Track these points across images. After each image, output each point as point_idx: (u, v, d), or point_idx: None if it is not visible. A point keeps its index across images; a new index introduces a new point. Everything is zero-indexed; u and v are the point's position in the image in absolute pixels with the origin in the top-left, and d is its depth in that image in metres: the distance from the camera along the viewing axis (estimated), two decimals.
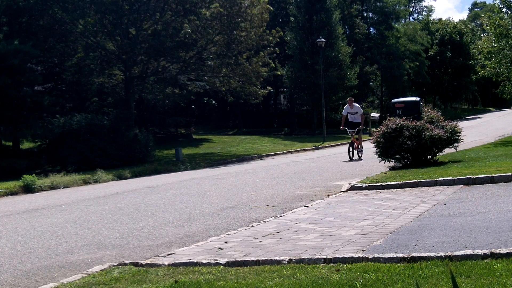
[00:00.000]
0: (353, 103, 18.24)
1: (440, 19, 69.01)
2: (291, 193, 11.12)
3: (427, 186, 10.28)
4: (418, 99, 15.45)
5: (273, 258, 5.58)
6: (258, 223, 7.98)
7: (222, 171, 17.84)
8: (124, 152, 22.51)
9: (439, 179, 10.43)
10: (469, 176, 10.20)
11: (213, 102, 38.41)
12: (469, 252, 5.07)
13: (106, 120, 23.77)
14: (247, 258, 5.75)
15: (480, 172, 10.60)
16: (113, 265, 5.92)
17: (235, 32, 25.47)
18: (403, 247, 5.71)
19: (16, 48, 21.88)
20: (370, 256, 5.27)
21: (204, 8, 25.07)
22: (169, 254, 6.39)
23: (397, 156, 13.83)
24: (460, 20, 72.06)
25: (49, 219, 9.69)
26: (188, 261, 5.85)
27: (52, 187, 15.79)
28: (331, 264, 5.28)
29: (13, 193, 14.87)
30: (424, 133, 13.23)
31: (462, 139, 14.31)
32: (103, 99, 31.39)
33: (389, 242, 6.00)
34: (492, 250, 5.01)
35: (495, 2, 25.39)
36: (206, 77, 28.76)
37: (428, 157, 13.92)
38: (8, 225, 9.38)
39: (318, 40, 33.80)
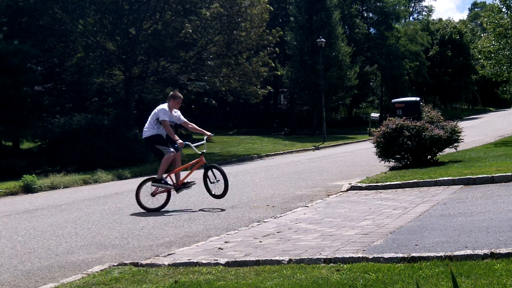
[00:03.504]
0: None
1: (440, 19, 69.04)
2: (291, 193, 11.12)
3: (427, 186, 10.28)
4: (418, 99, 15.45)
5: (273, 258, 5.57)
6: (258, 223, 7.98)
7: None
8: (124, 152, 22.51)
9: (439, 179, 10.43)
10: (469, 176, 10.20)
11: (213, 102, 38.42)
12: (469, 252, 5.07)
13: (106, 120, 23.75)
14: (247, 258, 5.75)
15: (480, 172, 10.60)
16: (113, 265, 5.92)
17: (235, 32, 25.48)
18: (403, 247, 5.71)
19: (16, 48, 21.88)
20: (370, 256, 5.27)
21: (204, 8, 25.07)
22: (169, 254, 6.39)
23: (397, 156, 13.83)
24: (460, 20, 72.10)
25: (49, 219, 9.69)
26: (188, 261, 5.85)
27: (52, 187, 15.78)
28: (331, 264, 5.28)
29: (13, 193, 14.87)
30: (424, 133, 13.23)
31: (462, 139, 14.32)
32: (103, 99, 31.39)
33: (389, 242, 6.00)
34: (492, 250, 5.01)
35: (495, 2, 25.41)
36: (206, 77, 28.78)
37: (428, 157, 13.92)
38: (8, 225, 9.37)
39: (318, 40, 33.81)
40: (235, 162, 22.40)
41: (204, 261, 5.74)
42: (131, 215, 9.60)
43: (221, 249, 6.42)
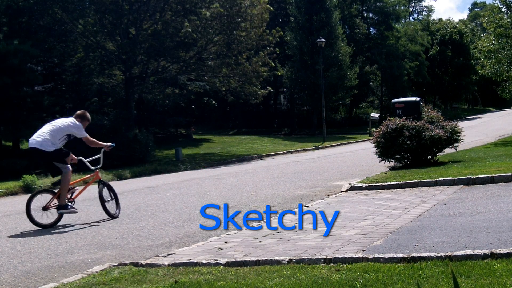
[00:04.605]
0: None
1: (440, 19, 69.06)
2: (291, 193, 11.12)
3: (427, 186, 10.28)
4: (418, 99, 15.45)
5: (273, 258, 5.57)
6: (258, 223, 7.97)
7: (222, 171, 17.83)
8: (124, 152, 22.49)
9: (439, 179, 10.43)
10: (469, 176, 10.20)
11: (213, 102, 38.43)
12: (469, 252, 5.07)
13: (106, 120, 23.74)
14: (247, 258, 5.75)
15: (480, 172, 10.60)
16: (113, 265, 5.92)
17: (235, 32, 25.47)
18: (403, 247, 5.71)
19: (16, 48, 21.87)
20: (370, 256, 5.27)
21: (204, 8, 25.07)
22: (169, 254, 6.39)
23: (397, 156, 13.84)
24: (460, 20, 72.16)
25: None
26: (188, 261, 5.85)
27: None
28: (331, 264, 5.28)
29: (13, 193, 14.86)
30: (424, 133, 13.23)
31: (462, 139, 14.32)
32: (103, 99, 31.38)
33: (389, 242, 6.00)
34: (492, 250, 5.01)
35: (495, 2, 25.43)
36: (206, 77, 28.78)
37: (428, 157, 13.93)
38: (8, 225, 9.37)
39: (318, 40, 33.82)
40: (235, 162, 22.40)
41: (204, 261, 5.74)
42: (131, 215, 9.60)
43: (221, 249, 6.42)
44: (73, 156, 9.26)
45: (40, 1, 24.41)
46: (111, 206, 9.42)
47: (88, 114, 9.62)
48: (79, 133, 9.27)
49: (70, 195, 9.23)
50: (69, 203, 9.07)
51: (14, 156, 23.44)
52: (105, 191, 9.43)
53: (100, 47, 25.56)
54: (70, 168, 9.14)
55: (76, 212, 9.20)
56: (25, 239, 7.99)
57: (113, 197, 9.54)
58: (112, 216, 9.29)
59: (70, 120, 9.37)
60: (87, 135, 9.43)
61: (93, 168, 9.61)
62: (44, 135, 9.02)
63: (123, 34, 25.02)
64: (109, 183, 9.72)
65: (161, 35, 24.87)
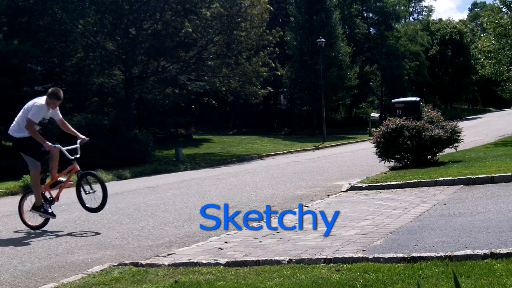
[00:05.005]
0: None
1: (440, 19, 69.07)
2: (291, 193, 11.12)
3: (427, 186, 10.28)
4: (418, 99, 15.46)
5: (273, 258, 5.58)
6: (258, 223, 7.97)
7: (222, 171, 17.83)
8: (124, 152, 22.48)
9: (439, 179, 10.43)
10: (469, 176, 10.20)
11: (213, 102, 38.44)
12: (469, 252, 5.07)
13: (106, 120, 23.72)
14: (247, 258, 5.75)
15: (480, 172, 10.60)
16: (113, 265, 5.92)
17: (235, 32, 25.47)
18: (403, 247, 5.71)
19: (16, 48, 21.86)
20: (370, 256, 5.27)
21: (204, 8, 25.08)
22: (169, 254, 6.39)
23: (397, 156, 13.84)
24: (460, 20, 72.16)
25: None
26: (188, 261, 5.85)
27: None
28: (331, 264, 5.28)
29: (13, 193, 14.87)
30: (424, 133, 13.24)
31: (462, 139, 14.33)
32: (103, 99, 31.38)
33: (389, 242, 6.00)
34: (492, 250, 5.01)
35: (495, 2, 25.46)
36: (206, 77, 28.78)
37: (428, 157, 13.93)
38: (8, 225, 9.37)
39: (318, 40, 33.82)
40: (235, 162, 22.40)
41: (204, 261, 5.74)
42: (131, 215, 9.60)
43: (221, 249, 6.42)
44: (49, 143, 8.23)
45: (40, 1, 24.41)
46: (92, 198, 8.47)
47: (60, 93, 8.48)
48: (30, 116, 8.10)
49: (57, 191, 8.66)
50: (46, 205, 8.36)
51: (14, 156, 23.41)
52: (85, 182, 8.54)
53: (100, 47, 25.56)
54: (38, 164, 8.24)
55: (53, 217, 8.46)
56: (25, 239, 7.99)
57: (94, 189, 8.43)
58: (89, 209, 8.53)
59: (36, 99, 8.36)
60: (34, 123, 8.19)
61: (72, 157, 8.57)
62: (15, 119, 8.27)
63: (123, 34, 25.02)
64: (94, 172, 8.90)
65: (161, 35, 24.86)
